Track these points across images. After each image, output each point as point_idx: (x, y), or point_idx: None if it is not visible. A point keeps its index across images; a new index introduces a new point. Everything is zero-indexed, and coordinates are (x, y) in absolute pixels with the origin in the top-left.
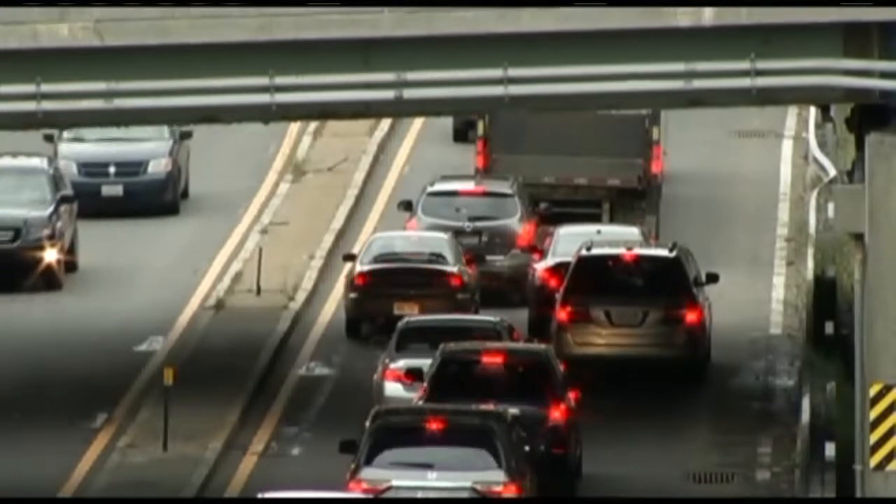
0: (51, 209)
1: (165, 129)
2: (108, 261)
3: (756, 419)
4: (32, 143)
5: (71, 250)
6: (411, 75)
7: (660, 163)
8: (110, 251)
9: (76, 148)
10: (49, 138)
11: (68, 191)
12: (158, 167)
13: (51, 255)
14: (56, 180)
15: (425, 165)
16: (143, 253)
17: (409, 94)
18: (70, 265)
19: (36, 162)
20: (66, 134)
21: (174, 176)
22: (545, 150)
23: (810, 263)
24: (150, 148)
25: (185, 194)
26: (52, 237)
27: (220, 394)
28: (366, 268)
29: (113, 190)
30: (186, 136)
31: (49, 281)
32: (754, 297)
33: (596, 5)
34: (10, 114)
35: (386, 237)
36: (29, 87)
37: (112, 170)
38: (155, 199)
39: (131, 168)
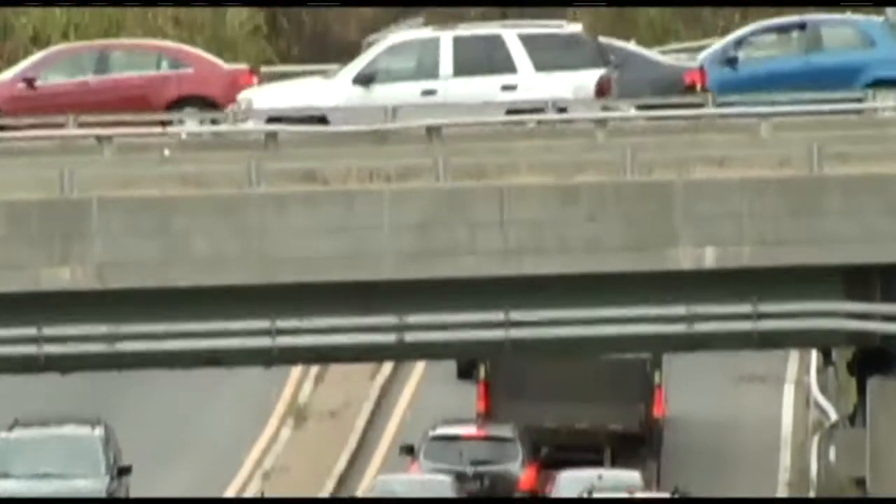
0: None
1: (102, 464)
2: None
3: None
4: None
5: None
6: (412, 319)
7: (661, 407)
8: None
9: (3, 485)
10: None
11: None
12: None
13: None
14: None
15: (428, 408)
16: None
17: (410, 337)
18: None
19: None
20: None
21: None
22: (546, 394)
23: None
24: (85, 487)
25: None
26: None
27: None
28: None
29: None
30: (125, 472)
31: None
32: None
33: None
34: (11, 357)
35: (388, 481)
36: (30, 331)
37: None
38: None
39: None
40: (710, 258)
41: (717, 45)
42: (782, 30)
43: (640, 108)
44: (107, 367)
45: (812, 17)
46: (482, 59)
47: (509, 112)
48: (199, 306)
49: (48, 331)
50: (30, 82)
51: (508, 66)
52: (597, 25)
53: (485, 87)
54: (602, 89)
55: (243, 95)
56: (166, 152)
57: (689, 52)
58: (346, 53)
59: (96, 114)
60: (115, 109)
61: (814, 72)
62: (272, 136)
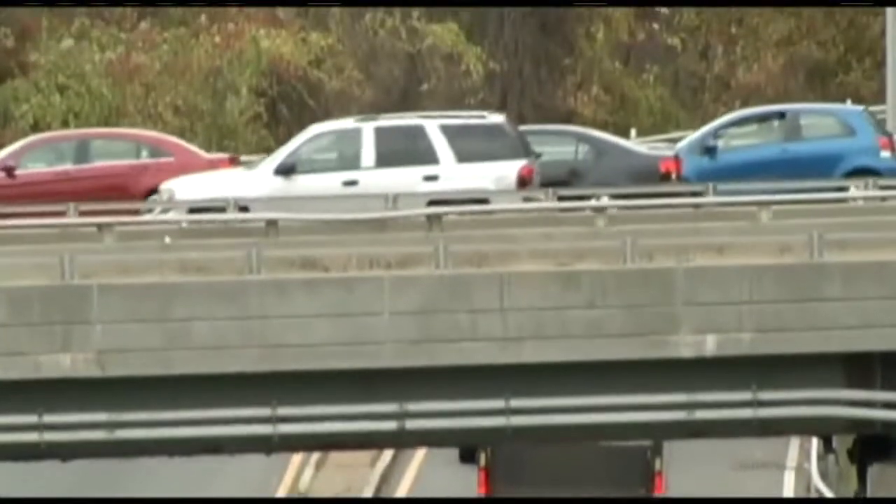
0: None
1: None
2: None
3: None
4: None
5: None
6: (413, 406)
7: (662, 493)
8: None
9: None
10: None
11: None
12: None
13: None
14: None
15: (429, 492)
16: None
17: (410, 424)
18: None
19: None
20: None
21: None
22: (547, 481)
23: None
24: None
25: None
26: None
27: None
28: None
29: None
30: None
31: None
32: None
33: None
34: (11, 444)
35: None
36: (31, 418)
37: None
38: None
39: None
40: (710, 345)
41: (696, 133)
42: (762, 119)
43: (634, 195)
44: (108, 454)
45: (791, 106)
46: (404, 149)
47: (431, 203)
48: (199, 393)
49: (49, 418)
50: (9, 171)
51: (430, 157)
52: (598, 113)
53: (406, 178)
54: (523, 179)
55: (165, 186)
56: (167, 239)
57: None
58: None
59: (96, 202)
60: (95, 198)
61: (793, 160)
62: (272, 223)
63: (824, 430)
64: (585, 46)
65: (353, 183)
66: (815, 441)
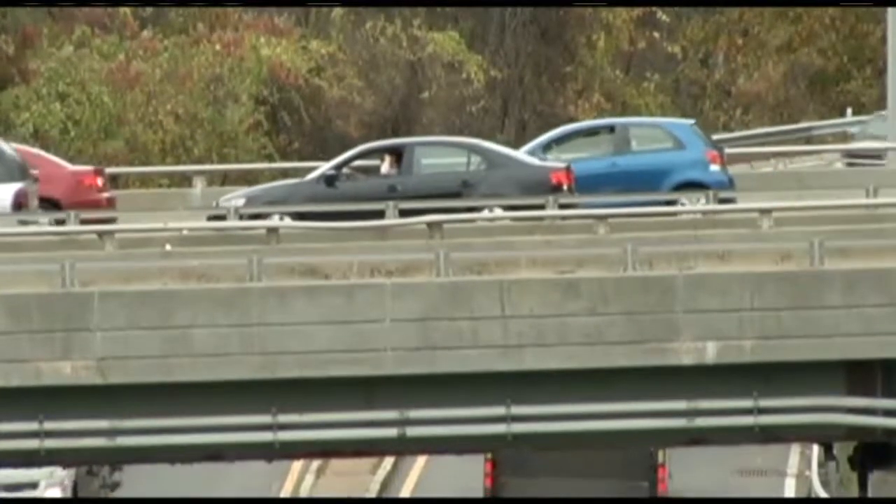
0: None
1: None
2: None
3: None
4: None
5: None
6: (414, 413)
7: (665, 485)
8: None
9: None
10: None
11: None
12: None
13: None
14: None
15: (434, 489)
16: None
17: (411, 432)
18: None
19: None
20: None
21: None
22: (552, 472)
23: None
24: None
25: None
26: None
27: None
28: None
29: None
30: None
31: None
32: None
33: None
34: (12, 451)
35: None
36: (31, 425)
37: None
38: None
39: None
40: (711, 353)
41: (526, 146)
42: (591, 132)
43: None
44: (108, 461)
45: (620, 119)
46: None
47: None
48: (200, 400)
49: (49, 425)
50: None
51: None
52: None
53: None
54: (19, 202)
55: None
56: (168, 247)
57: None
58: (346, 148)
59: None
60: None
61: (622, 174)
62: (273, 230)
63: (825, 437)
64: (586, 54)
65: None
66: (815, 448)
